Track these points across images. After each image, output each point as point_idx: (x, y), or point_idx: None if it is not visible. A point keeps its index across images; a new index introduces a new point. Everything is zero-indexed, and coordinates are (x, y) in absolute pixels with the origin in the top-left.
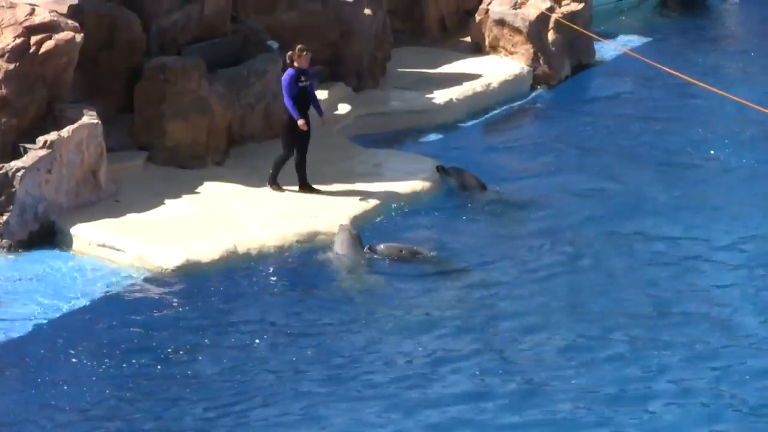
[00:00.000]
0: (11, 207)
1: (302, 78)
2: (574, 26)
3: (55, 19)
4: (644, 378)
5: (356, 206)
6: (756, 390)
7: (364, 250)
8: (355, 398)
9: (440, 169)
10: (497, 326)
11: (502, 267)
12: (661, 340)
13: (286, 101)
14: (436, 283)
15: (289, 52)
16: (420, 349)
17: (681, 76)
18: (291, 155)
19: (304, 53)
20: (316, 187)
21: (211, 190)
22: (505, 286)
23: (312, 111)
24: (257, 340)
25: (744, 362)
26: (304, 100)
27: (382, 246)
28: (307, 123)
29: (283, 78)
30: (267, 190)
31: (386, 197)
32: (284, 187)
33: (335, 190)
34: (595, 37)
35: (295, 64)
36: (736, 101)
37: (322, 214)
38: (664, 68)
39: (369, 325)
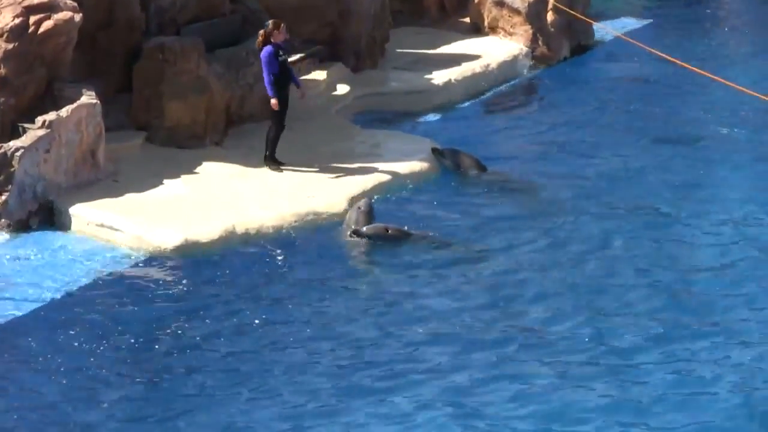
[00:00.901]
0: (10, 187)
1: (280, 53)
2: (570, 11)
3: None
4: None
5: (355, 186)
6: None
7: (348, 234)
8: (370, 386)
9: (435, 150)
10: (514, 308)
11: (499, 246)
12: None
13: (266, 78)
14: (436, 264)
15: (266, 29)
16: (431, 333)
17: (675, 61)
18: (282, 130)
19: (281, 26)
20: (283, 164)
21: (210, 171)
22: (510, 266)
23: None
24: (256, 321)
25: None
26: (284, 74)
27: (365, 228)
28: (287, 100)
29: (261, 56)
30: (265, 171)
31: (385, 178)
32: (282, 167)
33: (334, 170)
34: (591, 21)
35: (272, 39)
36: (729, 86)
37: (321, 194)
38: (657, 52)
39: (370, 310)
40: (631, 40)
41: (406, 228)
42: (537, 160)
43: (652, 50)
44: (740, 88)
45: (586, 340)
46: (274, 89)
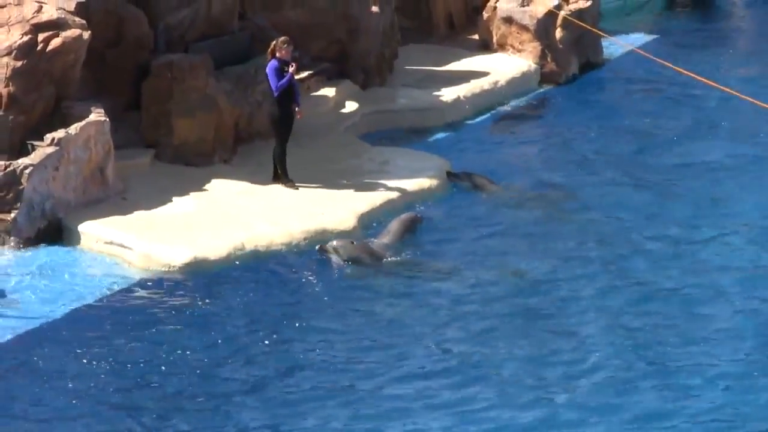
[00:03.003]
0: (19, 204)
1: (285, 68)
2: (581, 23)
3: (63, 16)
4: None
5: (363, 204)
6: None
7: (317, 249)
8: (383, 402)
9: (450, 174)
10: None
11: (490, 267)
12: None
13: (273, 85)
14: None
15: (272, 44)
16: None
17: (689, 74)
18: (285, 145)
19: (286, 45)
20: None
21: (219, 188)
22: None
23: None
24: (266, 341)
25: None
26: (289, 90)
27: (335, 243)
28: (291, 117)
29: (267, 68)
30: (274, 188)
31: (394, 195)
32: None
33: (342, 187)
34: (602, 33)
35: (277, 55)
36: (744, 99)
37: (330, 211)
38: (671, 65)
39: (383, 327)
40: (642, 53)
41: (375, 245)
42: (545, 177)
43: (663, 62)
44: (758, 102)
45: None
46: (279, 97)
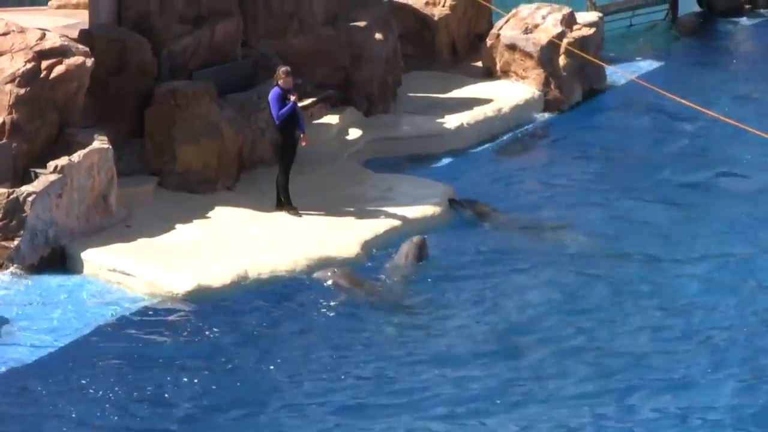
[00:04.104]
0: (22, 232)
1: (288, 97)
2: (583, 54)
3: (66, 43)
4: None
5: (367, 231)
6: None
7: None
8: None
9: (452, 201)
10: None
11: (491, 296)
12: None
13: (274, 113)
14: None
15: (275, 73)
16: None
17: (689, 104)
18: (288, 173)
19: (285, 75)
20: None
21: (222, 215)
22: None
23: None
24: (272, 366)
25: None
26: (292, 118)
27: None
28: (294, 145)
29: (269, 96)
30: (277, 215)
31: (397, 222)
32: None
33: (346, 214)
34: (604, 64)
35: (280, 83)
36: (746, 130)
37: (333, 238)
38: (672, 96)
39: (385, 353)
40: (643, 83)
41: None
42: (548, 204)
43: (665, 92)
44: (759, 132)
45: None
46: (281, 124)
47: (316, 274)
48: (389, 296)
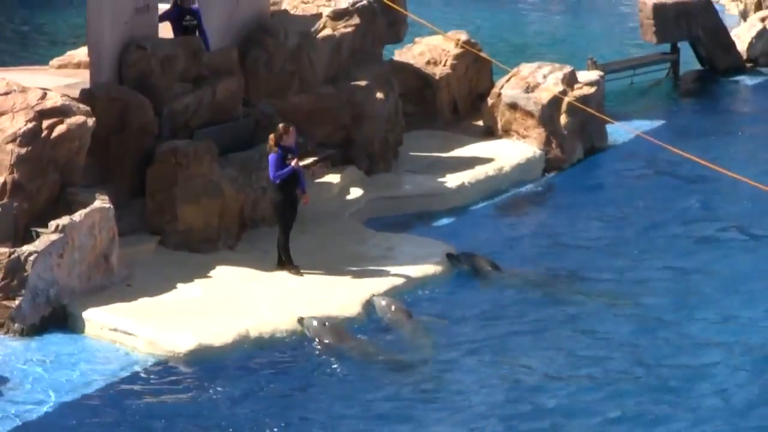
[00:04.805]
0: (23, 291)
1: (289, 156)
2: (586, 108)
3: (67, 103)
4: None
5: (369, 290)
6: None
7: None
8: None
9: (450, 256)
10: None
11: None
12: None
13: (271, 173)
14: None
15: (276, 132)
16: None
17: (694, 158)
18: (289, 232)
19: (290, 130)
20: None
21: (223, 274)
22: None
23: None
24: (276, 429)
25: None
26: (293, 177)
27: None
28: (295, 204)
29: (270, 161)
30: (279, 274)
31: (399, 281)
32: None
33: (348, 273)
34: (607, 119)
35: (282, 143)
36: (751, 185)
37: (335, 297)
38: (677, 150)
39: (391, 414)
40: (647, 137)
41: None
42: (551, 262)
43: (667, 146)
44: (763, 187)
45: None
46: (282, 183)
47: (306, 320)
48: (377, 354)
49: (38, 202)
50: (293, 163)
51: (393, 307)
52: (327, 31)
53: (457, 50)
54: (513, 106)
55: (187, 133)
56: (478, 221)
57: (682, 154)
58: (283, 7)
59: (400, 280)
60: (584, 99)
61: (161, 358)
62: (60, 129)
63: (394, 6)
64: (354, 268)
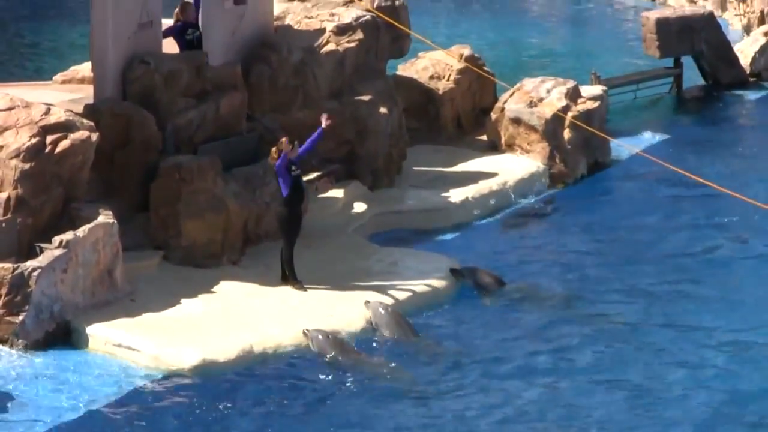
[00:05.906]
0: (27, 307)
1: (293, 168)
2: (588, 127)
3: (71, 118)
4: None
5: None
6: None
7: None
8: None
9: (454, 271)
10: None
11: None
12: None
13: (282, 181)
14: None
15: (278, 145)
16: None
17: (696, 178)
18: (293, 247)
19: (294, 143)
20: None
21: (227, 289)
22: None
23: None
24: None
25: None
26: (297, 191)
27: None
28: (299, 219)
29: (276, 166)
30: (283, 289)
31: (403, 296)
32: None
33: (351, 288)
34: (608, 137)
35: (290, 155)
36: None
37: (339, 312)
38: (678, 169)
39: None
40: (648, 156)
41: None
42: (554, 276)
43: (669, 166)
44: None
45: None
46: (287, 198)
47: (311, 333)
48: (381, 368)
49: (42, 217)
50: (324, 122)
51: (385, 311)
52: (330, 46)
53: (461, 65)
54: (516, 121)
55: (190, 148)
56: (482, 236)
57: (681, 172)
58: (286, 23)
59: (404, 295)
60: (587, 114)
61: (165, 374)
62: (64, 144)
63: (396, 24)
64: (358, 283)
